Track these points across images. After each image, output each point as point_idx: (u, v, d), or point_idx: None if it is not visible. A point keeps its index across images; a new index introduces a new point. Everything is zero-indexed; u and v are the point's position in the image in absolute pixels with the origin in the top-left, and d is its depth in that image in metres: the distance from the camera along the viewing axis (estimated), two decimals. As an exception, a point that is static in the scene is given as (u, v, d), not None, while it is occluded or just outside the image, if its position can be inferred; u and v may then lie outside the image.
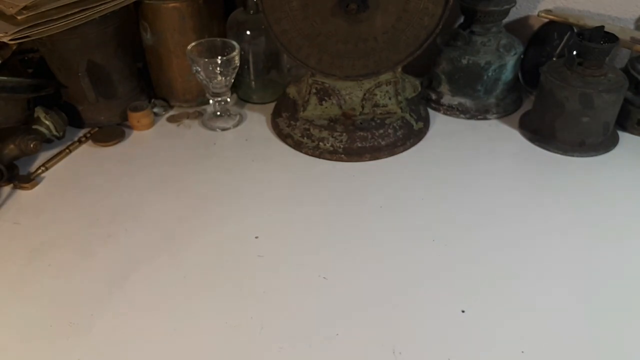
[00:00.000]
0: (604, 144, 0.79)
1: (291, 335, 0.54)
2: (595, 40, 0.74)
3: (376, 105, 0.80)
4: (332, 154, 0.78)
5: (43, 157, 0.79)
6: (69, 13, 0.71)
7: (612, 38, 0.75)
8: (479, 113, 0.87)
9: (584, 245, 0.64)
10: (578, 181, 0.73)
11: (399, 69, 0.79)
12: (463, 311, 0.56)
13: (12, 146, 0.74)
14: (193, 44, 0.80)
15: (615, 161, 0.77)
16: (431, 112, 0.88)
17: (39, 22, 0.70)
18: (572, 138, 0.78)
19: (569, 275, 0.60)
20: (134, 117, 0.84)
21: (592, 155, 0.78)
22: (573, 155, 0.78)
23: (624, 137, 0.81)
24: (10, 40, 0.69)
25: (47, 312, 0.57)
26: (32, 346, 0.53)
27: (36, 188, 0.74)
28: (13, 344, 0.54)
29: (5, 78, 0.73)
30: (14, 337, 0.54)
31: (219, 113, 0.86)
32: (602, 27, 0.75)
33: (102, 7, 0.74)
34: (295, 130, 0.81)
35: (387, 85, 0.79)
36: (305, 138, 0.80)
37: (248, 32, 0.84)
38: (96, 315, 0.56)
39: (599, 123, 0.77)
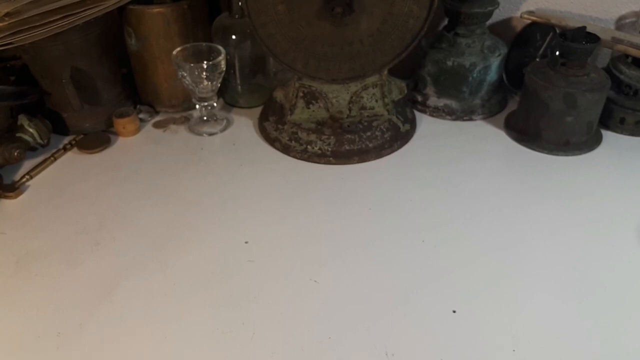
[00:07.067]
0: (588, 143, 0.80)
1: (283, 340, 0.54)
2: (578, 40, 0.75)
3: (363, 108, 0.81)
4: (321, 157, 0.78)
5: (27, 165, 0.78)
6: (52, 19, 0.70)
7: (593, 38, 0.76)
8: (464, 114, 0.88)
9: (572, 243, 0.64)
10: (563, 180, 0.74)
11: (385, 72, 0.79)
12: (454, 311, 0.56)
13: (-5, 155, 0.73)
14: (178, 49, 0.80)
15: (599, 159, 0.78)
16: (417, 114, 0.89)
17: (22, 28, 0.69)
18: (556, 137, 0.79)
19: (557, 274, 0.60)
20: (120, 123, 0.83)
21: (576, 154, 0.79)
22: (558, 155, 0.79)
23: (607, 135, 0.83)
24: (-8, 47, 0.69)
25: (34, 322, 0.56)
26: (20, 358, 0.52)
27: (21, 197, 0.73)
28: (0, 356, 0.53)
29: (-13, 86, 0.73)
30: (0, 349, 0.53)
31: (205, 118, 0.86)
32: (584, 27, 0.76)
33: (86, 12, 0.73)
34: (282, 134, 0.81)
35: (373, 88, 0.79)
36: (293, 142, 0.80)
37: (234, 37, 0.84)
38: (85, 325, 0.55)
39: (582, 122, 0.78)
